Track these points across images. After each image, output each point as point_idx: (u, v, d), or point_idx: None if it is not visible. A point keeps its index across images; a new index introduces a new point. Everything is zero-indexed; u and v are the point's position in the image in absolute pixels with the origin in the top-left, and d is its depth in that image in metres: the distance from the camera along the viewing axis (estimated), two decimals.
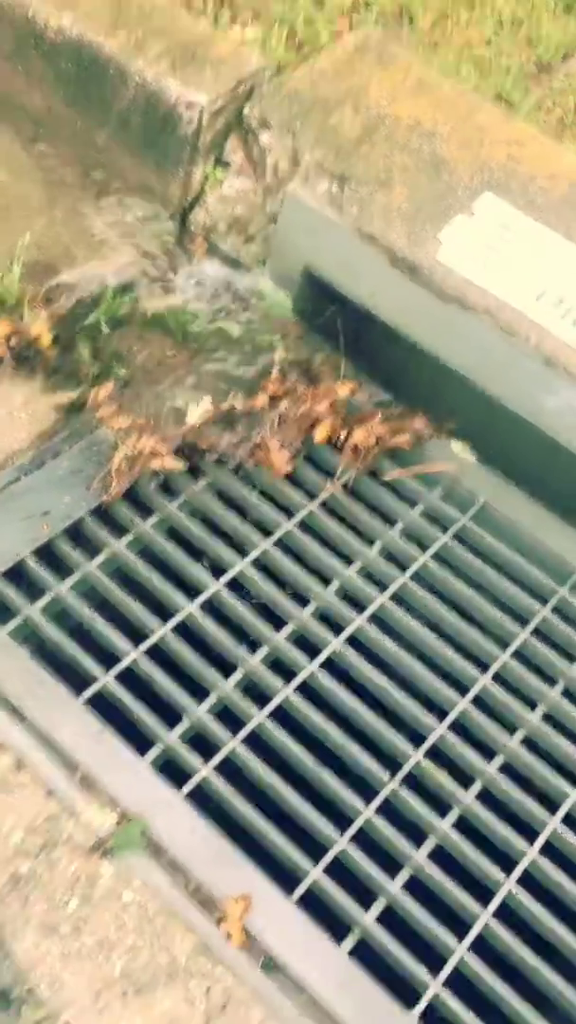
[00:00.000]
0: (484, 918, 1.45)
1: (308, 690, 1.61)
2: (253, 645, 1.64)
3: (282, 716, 1.57)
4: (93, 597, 1.64)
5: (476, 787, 1.58)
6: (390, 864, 1.48)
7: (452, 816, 1.55)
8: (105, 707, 1.51)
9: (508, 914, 1.46)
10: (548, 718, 1.68)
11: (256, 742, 1.54)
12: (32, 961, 1.27)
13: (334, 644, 1.66)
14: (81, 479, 1.73)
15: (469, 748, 1.61)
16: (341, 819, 1.49)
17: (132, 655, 1.57)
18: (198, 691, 1.57)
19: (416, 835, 1.51)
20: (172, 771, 1.48)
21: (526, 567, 1.82)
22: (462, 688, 1.67)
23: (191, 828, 1.42)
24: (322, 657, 1.64)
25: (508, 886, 1.48)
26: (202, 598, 1.66)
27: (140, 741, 1.49)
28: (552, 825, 1.55)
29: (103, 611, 1.61)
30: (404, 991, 1.36)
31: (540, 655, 1.73)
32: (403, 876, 1.47)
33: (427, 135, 1.98)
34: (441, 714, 1.63)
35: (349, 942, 1.39)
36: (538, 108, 2.37)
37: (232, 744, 1.52)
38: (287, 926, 1.37)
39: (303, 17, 2.27)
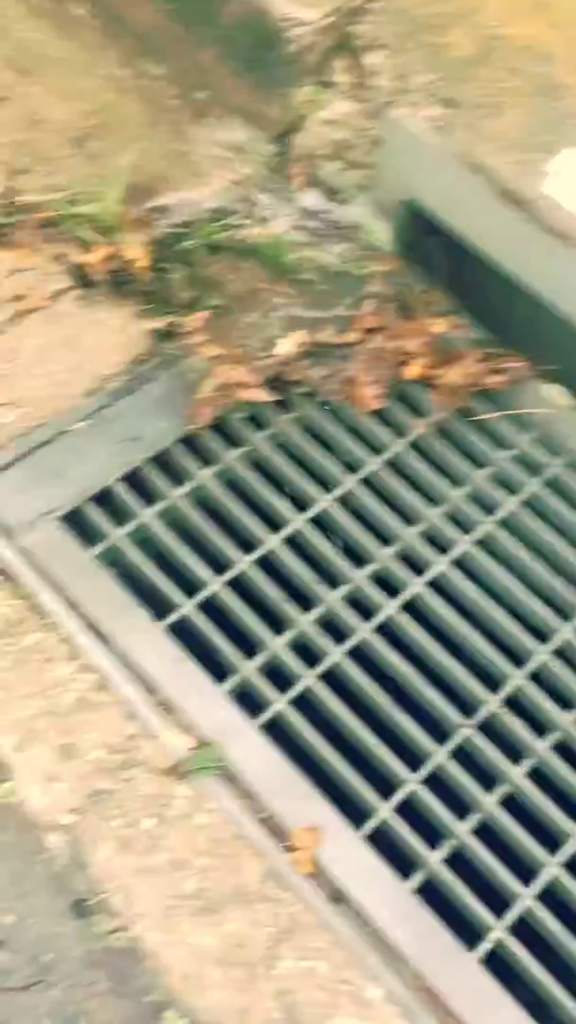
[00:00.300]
0: (553, 868, 1.45)
1: (386, 631, 1.61)
2: (333, 582, 1.64)
3: (359, 655, 1.57)
4: (177, 526, 1.65)
5: (552, 738, 1.56)
6: (460, 807, 1.48)
7: (526, 765, 1.54)
8: (185, 635, 1.53)
9: None
10: None
11: (332, 679, 1.55)
12: (107, 874, 1.31)
13: (414, 586, 1.65)
14: (170, 407, 1.73)
15: (547, 698, 1.59)
16: (414, 759, 1.50)
17: (213, 585, 1.59)
18: (277, 624, 1.58)
19: (488, 781, 1.51)
20: (248, 701, 1.50)
21: None
22: (543, 638, 1.65)
23: (265, 758, 1.44)
24: (401, 599, 1.63)
25: None
26: (284, 532, 1.66)
27: (218, 670, 1.51)
28: None
29: (186, 540, 1.63)
30: (467, 933, 1.38)
31: None
32: (472, 820, 1.48)
33: (541, 59, 1.88)
34: (520, 663, 1.61)
35: (415, 880, 1.40)
36: None
37: (308, 679, 1.53)
38: (354, 860, 1.39)
39: None
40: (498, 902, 1.42)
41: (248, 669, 1.52)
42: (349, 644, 1.58)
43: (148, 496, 1.66)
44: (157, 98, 2.08)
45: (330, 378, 1.82)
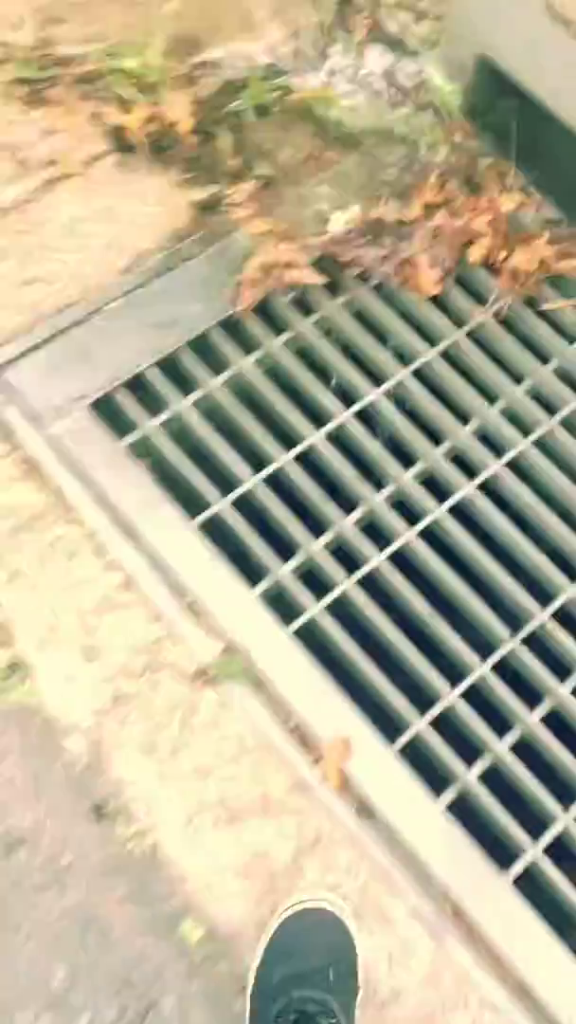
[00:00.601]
0: None
1: (432, 536, 1.51)
2: (378, 483, 1.54)
3: (401, 561, 1.49)
4: (214, 417, 1.55)
5: None
6: (499, 724, 1.41)
7: (572, 681, 1.45)
8: (217, 534, 1.46)
9: None
10: None
11: (371, 585, 1.46)
12: (128, 779, 1.28)
13: (466, 489, 1.54)
14: (211, 288, 1.61)
15: None
16: (453, 672, 1.43)
17: (250, 482, 1.50)
18: (315, 526, 1.49)
19: (531, 697, 1.43)
20: (281, 606, 1.43)
21: None
22: None
23: (296, 666, 1.38)
24: (451, 502, 1.53)
25: None
26: (328, 428, 1.56)
27: (251, 573, 1.43)
28: None
29: (223, 433, 1.53)
30: (500, 854, 1.32)
31: None
32: (512, 737, 1.41)
33: None
34: (573, 575, 1.51)
35: (448, 796, 1.35)
36: None
37: (345, 585, 1.45)
38: (385, 774, 1.34)
39: None
40: (534, 823, 1.36)
41: (283, 573, 1.44)
42: (391, 549, 1.49)
43: (184, 384, 1.56)
44: None
45: (386, 259, 1.67)
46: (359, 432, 1.56)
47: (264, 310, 1.63)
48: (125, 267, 1.61)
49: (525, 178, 1.75)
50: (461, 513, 1.54)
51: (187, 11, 1.77)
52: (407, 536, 1.50)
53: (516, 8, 1.61)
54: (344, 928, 1.24)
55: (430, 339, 1.65)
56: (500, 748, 1.39)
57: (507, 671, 1.44)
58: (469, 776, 1.37)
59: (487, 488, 1.56)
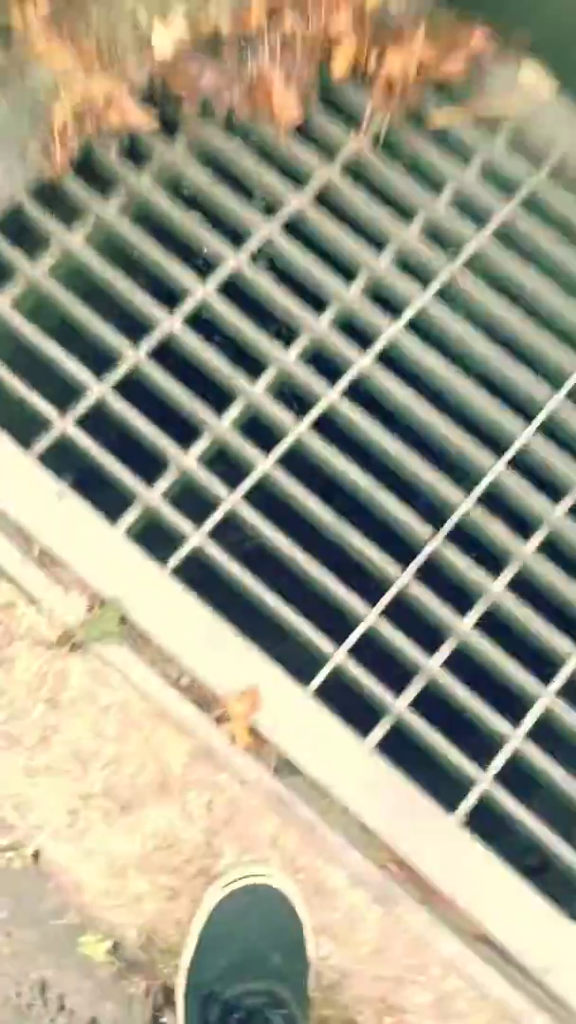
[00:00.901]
0: (546, 699, 1.19)
1: (327, 426, 1.26)
2: (255, 369, 1.26)
3: (294, 462, 1.23)
4: (41, 316, 1.24)
5: (538, 537, 1.26)
6: (429, 638, 1.20)
7: (509, 573, 1.24)
8: (64, 461, 1.18)
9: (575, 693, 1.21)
10: None
11: (261, 497, 1.21)
12: None
13: (361, 362, 1.27)
14: (13, 146, 1.27)
15: (531, 488, 1.27)
16: (370, 588, 1.20)
17: (95, 390, 1.21)
18: (184, 434, 1.22)
19: (462, 601, 1.22)
20: (154, 539, 1.17)
21: None
22: (526, 416, 1.30)
23: (181, 610, 1.14)
24: (345, 381, 1.27)
25: None
26: (186, 308, 1.26)
27: (110, 504, 1.17)
28: None
29: (54, 333, 1.23)
30: (447, 791, 1.14)
31: None
32: (446, 649, 1.20)
33: None
34: (500, 451, 1.28)
35: (378, 733, 1.15)
36: None
37: (230, 501, 1.20)
38: (303, 722, 1.13)
39: None
40: (482, 749, 1.17)
41: (152, 497, 1.18)
42: (281, 450, 1.23)
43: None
44: None
45: (231, 83, 1.34)
46: (225, 310, 1.27)
47: (87, 166, 1.30)
48: None
49: None
50: (360, 394, 1.28)
51: None
52: (298, 431, 1.24)
53: None
54: (281, 897, 1.06)
55: (296, 179, 1.34)
56: (432, 665, 1.19)
57: (433, 575, 1.22)
58: (399, 705, 1.16)
59: (384, 358, 1.29)
